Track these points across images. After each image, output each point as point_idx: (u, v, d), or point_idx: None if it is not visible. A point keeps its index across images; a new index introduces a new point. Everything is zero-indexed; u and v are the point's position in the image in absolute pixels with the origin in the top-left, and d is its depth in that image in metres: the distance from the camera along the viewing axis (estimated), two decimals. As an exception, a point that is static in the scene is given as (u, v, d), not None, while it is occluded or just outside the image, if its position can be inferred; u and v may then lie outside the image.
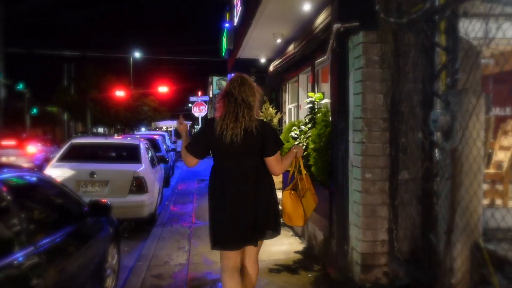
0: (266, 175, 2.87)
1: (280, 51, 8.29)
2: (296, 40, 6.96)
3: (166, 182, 11.35)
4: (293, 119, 8.95)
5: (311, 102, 5.08)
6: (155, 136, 13.70)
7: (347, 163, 4.10)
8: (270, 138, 2.79)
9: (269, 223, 2.85)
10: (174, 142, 22.51)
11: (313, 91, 6.92)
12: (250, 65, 10.06)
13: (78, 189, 6.10)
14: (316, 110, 4.99)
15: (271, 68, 9.21)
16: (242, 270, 2.95)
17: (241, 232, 2.76)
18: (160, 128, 33.49)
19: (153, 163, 7.69)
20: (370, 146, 3.82)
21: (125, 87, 37.01)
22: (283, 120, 9.46)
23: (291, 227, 6.13)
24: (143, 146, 7.38)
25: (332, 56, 4.33)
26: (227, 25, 12.75)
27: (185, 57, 43.84)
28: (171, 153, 15.19)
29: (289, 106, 9.23)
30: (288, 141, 5.85)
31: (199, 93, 32.25)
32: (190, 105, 51.52)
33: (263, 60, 9.31)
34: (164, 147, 13.66)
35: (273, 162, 2.80)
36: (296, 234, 5.86)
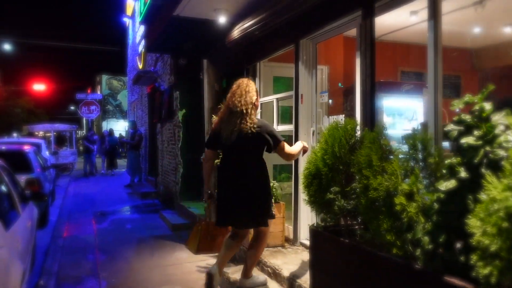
0: (262, 170, 3.50)
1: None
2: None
3: (41, 220, 6.82)
4: (275, 119, 5.32)
5: None
6: (25, 147, 8.71)
7: None
8: (270, 135, 3.43)
9: (263, 209, 3.48)
10: (55, 153, 16.27)
11: (367, 64, 3.41)
12: (194, 32, 6.13)
13: None
14: None
15: (235, 33, 5.44)
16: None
17: (241, 215, 3.44)
18: (33, 134, 26.02)
19: (4, 215, 3.39)
20: None
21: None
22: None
23: None
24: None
25: None
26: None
27: (68, 43, 37.54)
28: (51, 170, 10.26)
29: (264, 98, 5.56)
30: (371, 178, 2.25)
31: (88, 90, 26.60)
32: (72, 107, 44.26)
33: (222, 20, 5.50)
34: (40, 162, 8.82)
35: (281, 152, 3.49)
36: None
